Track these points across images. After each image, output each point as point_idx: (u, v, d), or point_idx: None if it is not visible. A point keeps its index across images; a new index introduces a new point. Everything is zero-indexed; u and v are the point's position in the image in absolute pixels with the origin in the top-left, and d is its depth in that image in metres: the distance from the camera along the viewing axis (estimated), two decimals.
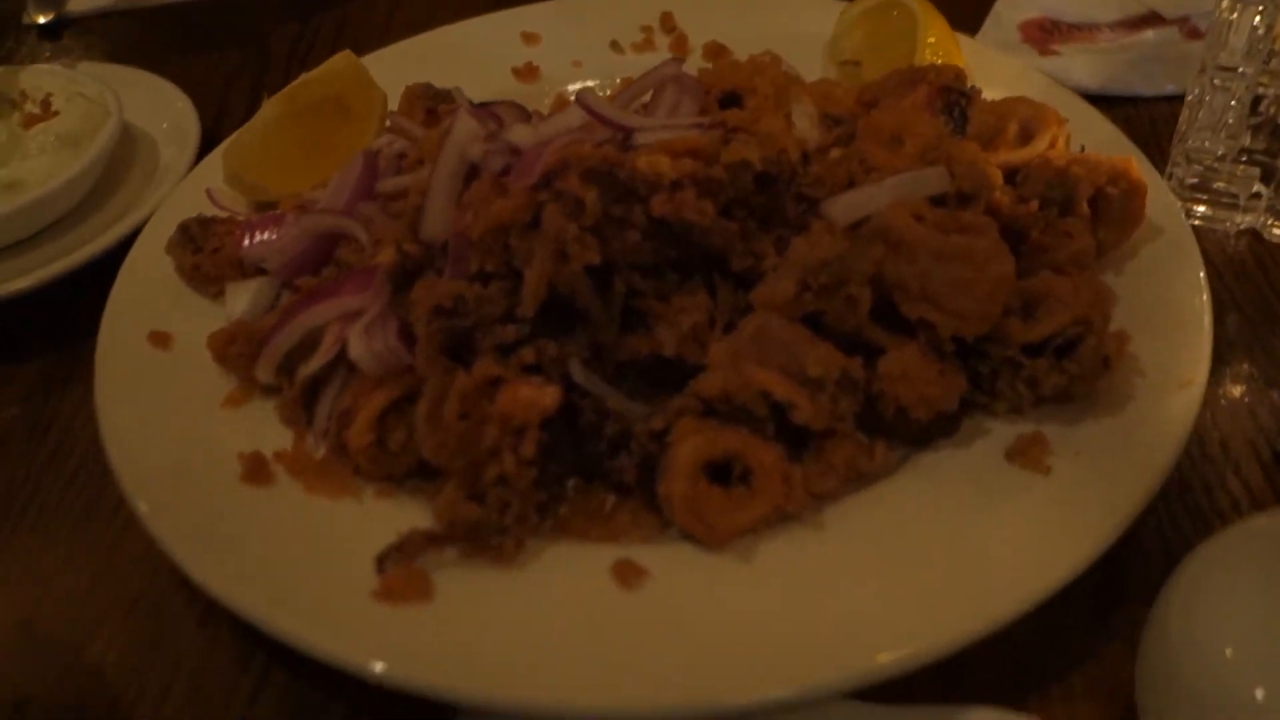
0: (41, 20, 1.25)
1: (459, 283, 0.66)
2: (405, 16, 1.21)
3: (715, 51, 1.01)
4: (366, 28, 1.20)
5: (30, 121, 0.91)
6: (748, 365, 0.62)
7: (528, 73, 1.01)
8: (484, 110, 0.76)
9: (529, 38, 1.05)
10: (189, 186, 0.89)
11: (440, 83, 0.94)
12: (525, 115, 0.77)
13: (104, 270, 0.82)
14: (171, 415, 0.71)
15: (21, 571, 0.70)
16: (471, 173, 0.70)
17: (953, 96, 0.80)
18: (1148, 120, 0.98)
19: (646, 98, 0.77)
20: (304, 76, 0.88)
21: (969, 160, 0.69)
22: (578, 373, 0.64)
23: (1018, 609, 0.55)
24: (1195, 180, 0.88)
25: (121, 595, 0.68)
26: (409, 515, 0.63)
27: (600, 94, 0.88)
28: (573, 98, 0.76)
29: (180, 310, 0.79)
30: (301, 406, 0.70)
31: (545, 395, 0.63)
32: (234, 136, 0.88)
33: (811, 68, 0.94)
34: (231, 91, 1.12)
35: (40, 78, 0.96)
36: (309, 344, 0.69)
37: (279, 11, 1.25)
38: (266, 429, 0.70)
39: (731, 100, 0.78)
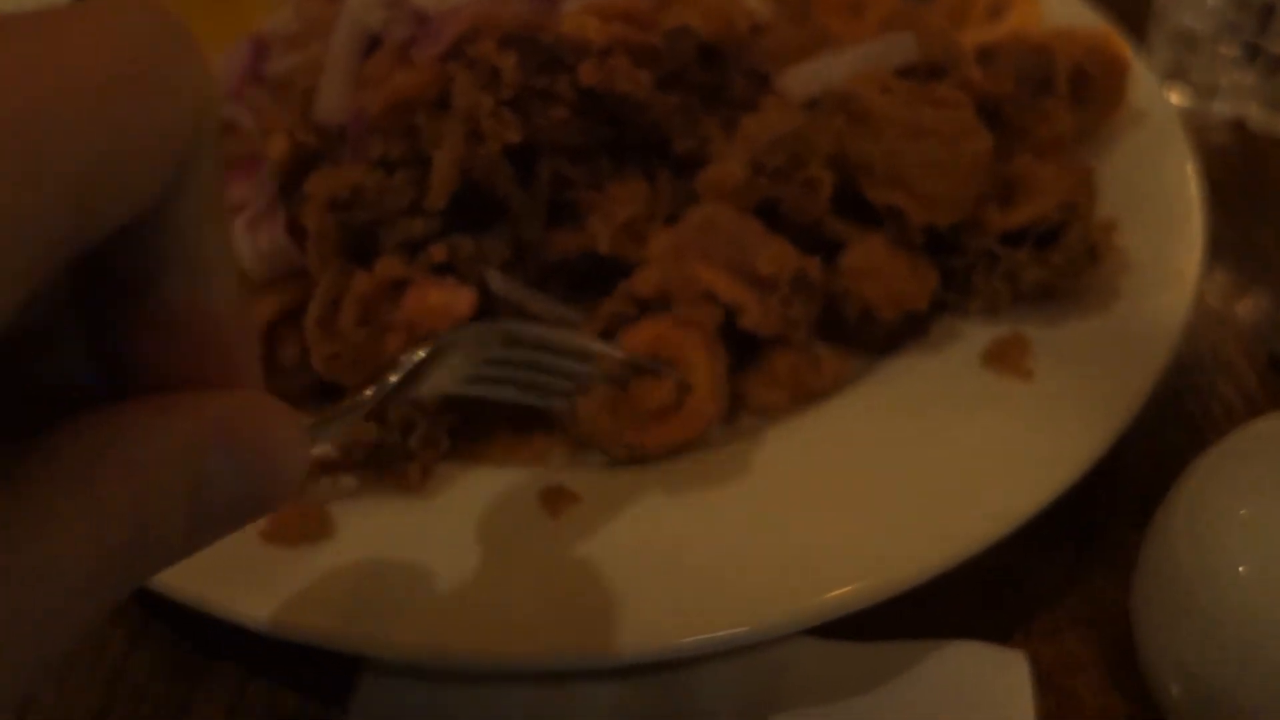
0: None
1: (358, 170, 0.57)
2: None
3: None
4: None
5: None
6: (691, 261, 0.54)
7: None
8: None
9: None
10: None
11: None
12: None
13: None
14: None
15: None
16: (373, 46, 0.60)
17: None
18: (1116, 13, 0.90)
19: None
20: None
21: (938, 28, 0.61)
22: (496, 282, 0.56)
23: (998, 531, 0.48)
24: (1172, 67, 0.81)
25: None
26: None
27: None
28: None
29: None
30: None
31: (459, 300, 0.54)
32: None
33: None
34: None
35: None
36: None
37: None
38: None
39: None
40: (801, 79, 0.58)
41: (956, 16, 0.72)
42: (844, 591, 0.46)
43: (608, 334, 0.54)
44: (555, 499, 0.50)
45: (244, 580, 0.49)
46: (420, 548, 0.49)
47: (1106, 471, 0.51)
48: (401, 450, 0.51)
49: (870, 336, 0.57)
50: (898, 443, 0.52)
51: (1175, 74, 0.81)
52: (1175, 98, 0.80)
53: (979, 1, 0.74)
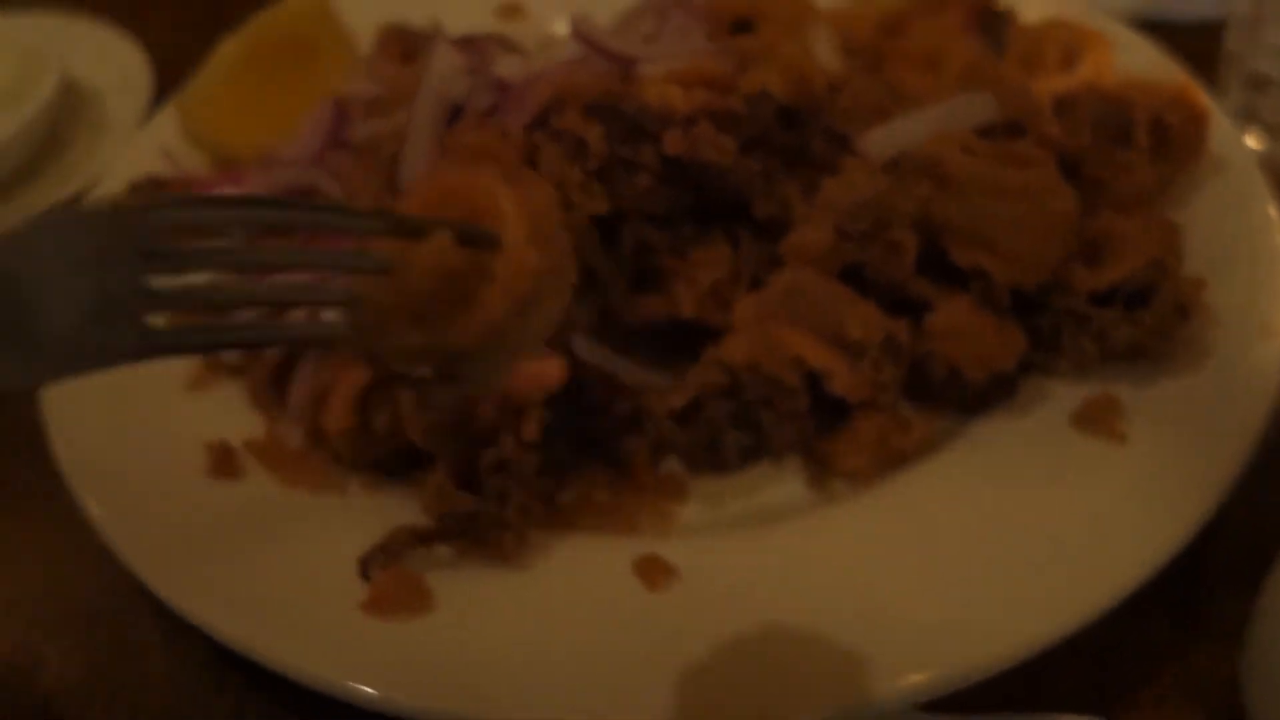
0: None
1: None
2: None
3: None
4: None
5: None
6: (777, 327, 0.55)
7: (511, 11, 0.92)
8: (466, 43, 0.67)
9: None
10: (141, 145, 0.80)
11: (414, 23, 0.86)
12: (512, 49, 0.68)
13: None
14: (125, 400, 0.63)
15: None
16: (454, 114, 0.61)
17: (988, 18, 0.71)
18: (1184, 55, 0.89)
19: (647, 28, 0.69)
20: (262, 15, 0.79)
21: (1016, 84, 0.61)
22: (581, 347, 0.56)
23: (1100, 605, 0.47)
24: (1245, 110, 0.80)
25: (76, 608, 0.60)
26: (403, 510, 0.55)
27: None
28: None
29: None
30: (273, 387, 0.62)
31: (549, 369, 0.55)
32: (188, 87, 0.79)
33: None
34: (185, 36, 1.01)
35: None
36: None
37: None
38: (235, 414, 0.62)
39: (742, 28, 0.69)
40: (882, 141, 0.59)
41: (1029, 65, 0.72)
42: (943, 669, 0.46)
43: (697, 403, 0.54)
44: (651, 571, 0.50)
45: (343, 652, 0.49)
46: (518, 621, 0.50)
47: (1204, 534, 0.51)
48: (497, 519, 0.51)
49: (957, 397, 0.57)
50: (990, 513, 0.52)
51: (1249, 117, 0.80)
52: (1251, 141, 0.79)
53: (1051, 49, 0.74)
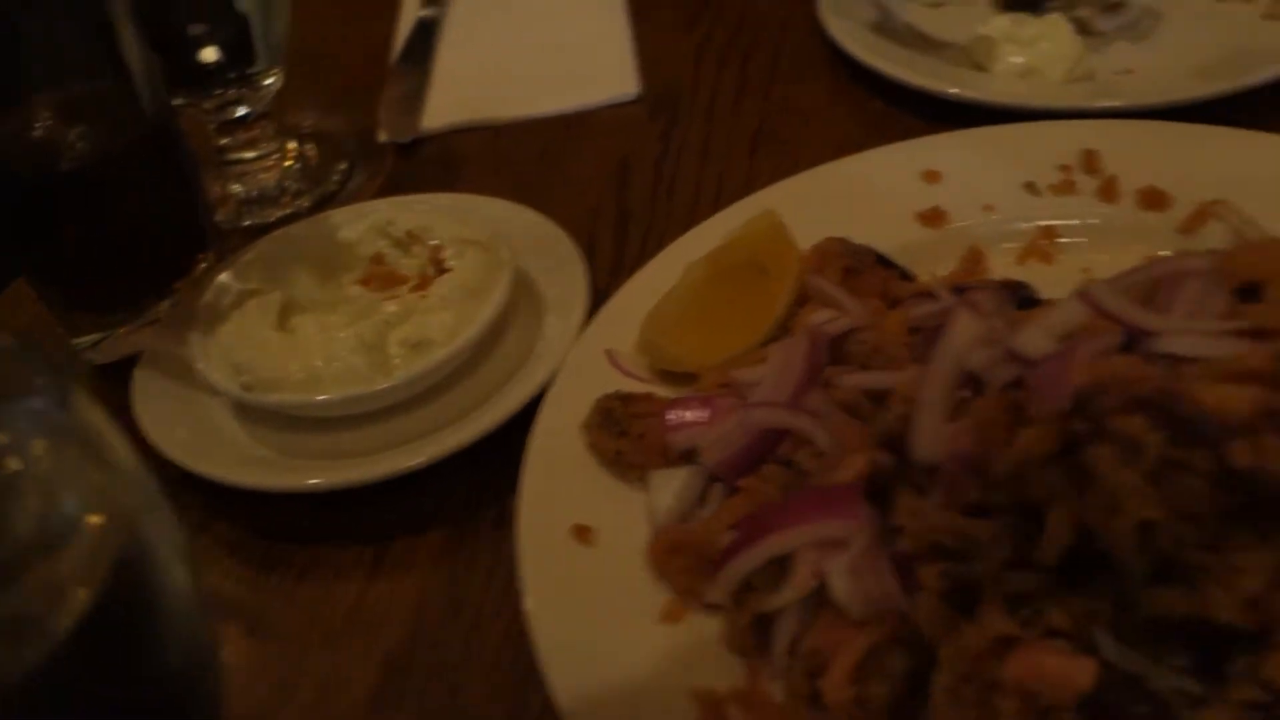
0: (400, 141, 1.25)
1: (955, 517, 0.57)
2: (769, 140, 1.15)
3: (1154, 199, 0.89)
4: (731, 149, 1.15)
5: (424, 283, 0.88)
6: None
7: (933, 217, 0.92)
8: (967, 298, 0.67)
9: (930, 175, 0.96)
10: (587, 345, 0.84)
11: (832, 226, 0.88)
12: (1014, 299, 0.67)
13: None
14: (606, 628, 0.65)
15: None
16: (967, 381, 0.61)
17: None
18: None
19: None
20: (728, 238, 0.82)
21: None
22: (1108, 648, 0.54)
23: None
24: None
25: None
26: None
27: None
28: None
29: (596, 497, 0.74)
30: (752, 635, 0.62)
31: (1080, 671, 0.52)
32: (657, 304, 0.83)
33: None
34: (598, 224, 1.08)
35: (427, 221, 0.93)
36: (772, 569, 0.62)
37: (641, 125, 1.21)
38: (709, 655, 0.63)
39: (1249, 294, 0.66)
40: None
41: None
42: None
43: None
44: None
45: None
46: None
47: None
48: None
49: None
50: None
51: None
52: None
53: None
